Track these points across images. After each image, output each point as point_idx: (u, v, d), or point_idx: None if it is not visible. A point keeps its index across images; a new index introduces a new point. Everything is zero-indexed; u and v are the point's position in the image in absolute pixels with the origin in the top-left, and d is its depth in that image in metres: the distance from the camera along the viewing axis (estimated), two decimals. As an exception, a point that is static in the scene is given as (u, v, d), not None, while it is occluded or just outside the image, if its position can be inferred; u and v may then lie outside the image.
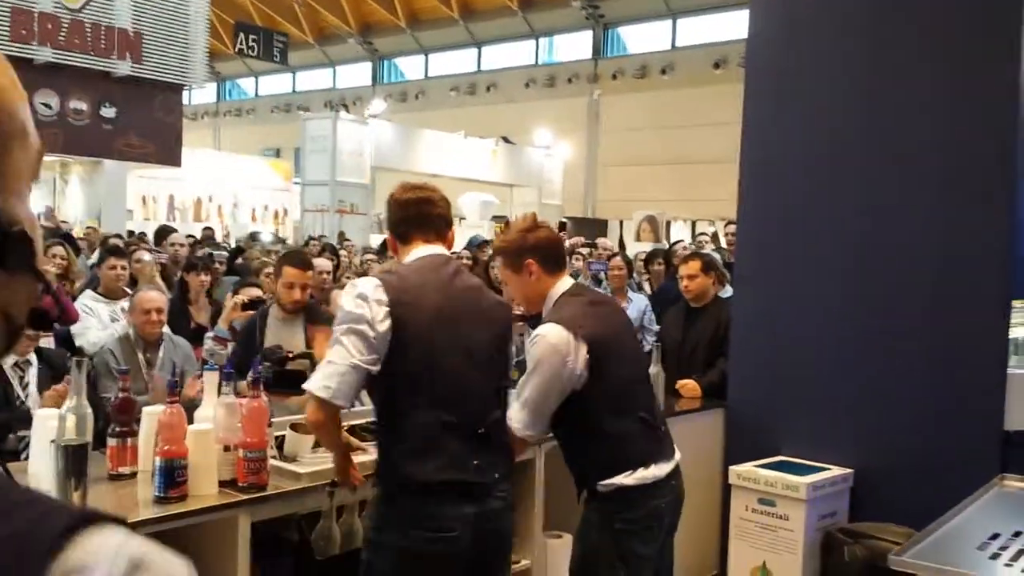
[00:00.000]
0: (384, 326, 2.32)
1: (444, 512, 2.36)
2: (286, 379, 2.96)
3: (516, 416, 2.67)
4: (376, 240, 14.26)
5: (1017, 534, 1.20)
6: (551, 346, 2.63)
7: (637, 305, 6.10)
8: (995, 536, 1.20)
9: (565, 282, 2.87)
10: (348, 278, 6.58)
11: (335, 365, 2.31)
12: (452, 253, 2.75)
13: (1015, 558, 1.12)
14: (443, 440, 2.37)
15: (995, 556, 1.12)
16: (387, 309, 2.33)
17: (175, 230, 9.81)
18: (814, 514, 3.84)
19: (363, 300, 2.34)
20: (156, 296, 4.29)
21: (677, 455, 2.91)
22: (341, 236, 12.79)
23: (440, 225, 2.58)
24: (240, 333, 4.21)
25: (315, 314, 4.21)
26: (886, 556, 3.58)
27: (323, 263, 6.47)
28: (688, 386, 4.50)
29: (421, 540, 2.34)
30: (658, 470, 2.77)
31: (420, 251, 2.51)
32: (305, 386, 2.39)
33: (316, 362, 3.85)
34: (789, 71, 4.38)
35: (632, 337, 3.11)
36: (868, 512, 3.93)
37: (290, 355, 3.68)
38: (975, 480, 3.47)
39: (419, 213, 2.55)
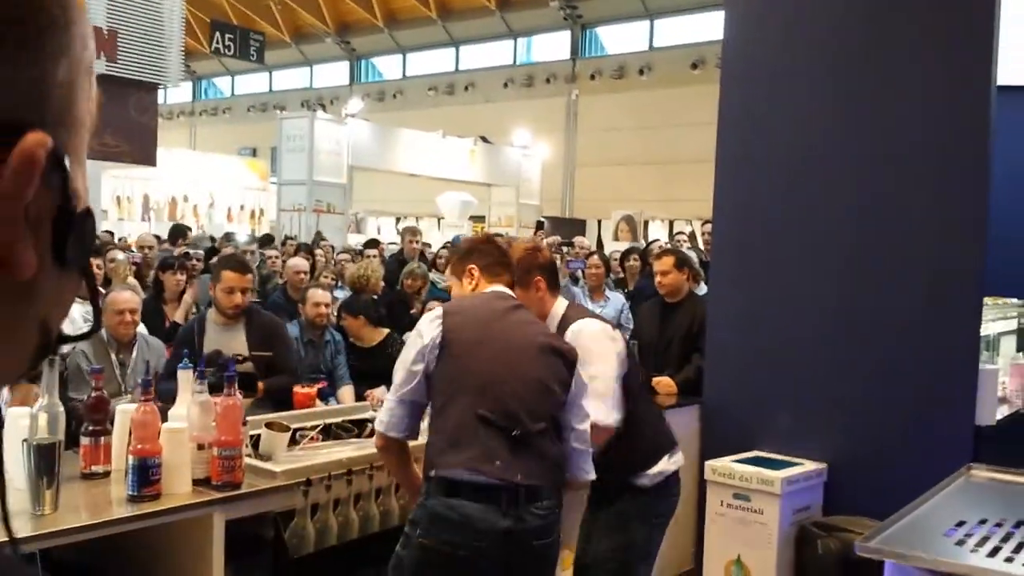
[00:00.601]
0: (433, 332, 2.51)
1: (472, 519, 2.34)
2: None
3: (596, 407, 2.70)
4: (353, 240, 14.23)
5: (983, 522, 1.22)
6: (600, 331, 2.85)
7: (615, 304, 6.12)
8: (961, 523, 1.22)
9: (562, 302, 3.04)
10: (325, 277, 6.57)
11: (387, 401, 2.59)
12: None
13: (980, 544, 1.14)
14: (476, 432, 2.40)
15: (961, 543, 1.14)
16: (440, 321, 2.54)
17: (189, 228, 9.75)
18: (788, 508, 3.88)
19: (421, 323, 2.61)
20: (129, 296, 4.25)
21: None
22: (318, 236, 12.73)
23: (513, 274, 2.81)
24: (176, 340, 4.12)
25: (256, 318, 4.12)
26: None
27: (299, 263, 6.46)
28: (663, 383, 4.53)
29: (446, 543, 2.34)
30: (679, 458, 2.98)
31: (495, 288, 2.71)
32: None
33: (266, 364, 3.87)
34: (765, 69, 4.41)
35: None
36: (842, 506, 3.97)
37: (239, 358, 3.65)
38: (947, 474, 3.52)
39: (507, 259, 2.80)
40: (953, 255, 3.86)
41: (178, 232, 8.97)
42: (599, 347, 2.82)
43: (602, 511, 2.93)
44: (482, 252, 2.78)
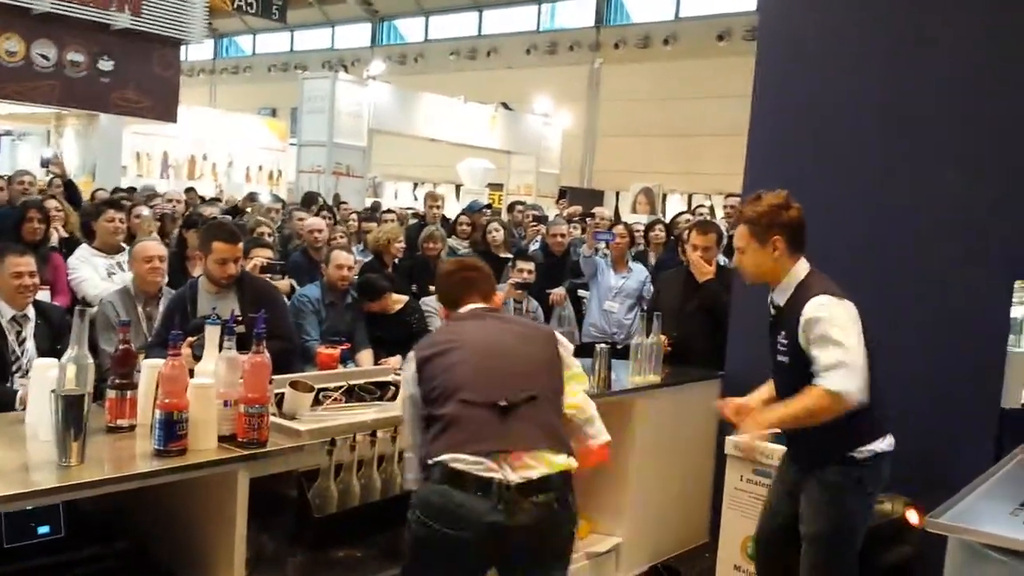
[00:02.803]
0: (409, 370, 2.56)
1: (458, 506, 2.29)
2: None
3: (841, 376, 2.68)
4: (370, 203, 14.20)
5: (1045, 502, 1.20)
6: (848, 312, 2.76)
7: (637, 275, 6.07)
8: (1024, 503, 1.19)
9: (804, 264, 2.94)
10: (342, 236, 6.55)
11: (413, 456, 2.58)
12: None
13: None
14: (462, 415, 2.38)
15: (1028, 523, 1.12)
16: (411, 356, 2.58)
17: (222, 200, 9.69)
18: (809, 486, 3.85)
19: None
20: (157, 244, 4.31)
21: None
22: (336, 199, 12.68)
23: (485, 289, 2.76)
24: (168, 307, 4.02)
25: (248, 283, 4.00)
26: (879, 518, 3.59)
27: (316, 222, 6.42)
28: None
29: (434, 527, 2.31)
30: (892, 440, 2.91)
31: (468, 307, 2.71)
32: None
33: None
34: (802, 41, 4.33)
35: None
36: (862, 486, 3.95)
37: (237, 318, 3.61)
38: (971, 456, 3.48)
39: (464, 279, 2.75)
40: (985, 237, 3.80)
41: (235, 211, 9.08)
42: (852, 325, 2.77)
43: (816, 483, 2.90)
44: (439, 287, 2.83)
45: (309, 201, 9.20)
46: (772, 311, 3.00)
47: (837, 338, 2.72)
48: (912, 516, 3.45)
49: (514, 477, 2.30)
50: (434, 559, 2.35)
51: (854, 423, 2.78)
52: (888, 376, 3.97)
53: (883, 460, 2.89)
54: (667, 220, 8.00)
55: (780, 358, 2.95)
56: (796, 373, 2.85)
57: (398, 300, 5.05)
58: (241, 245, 4.02)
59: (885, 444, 2.88)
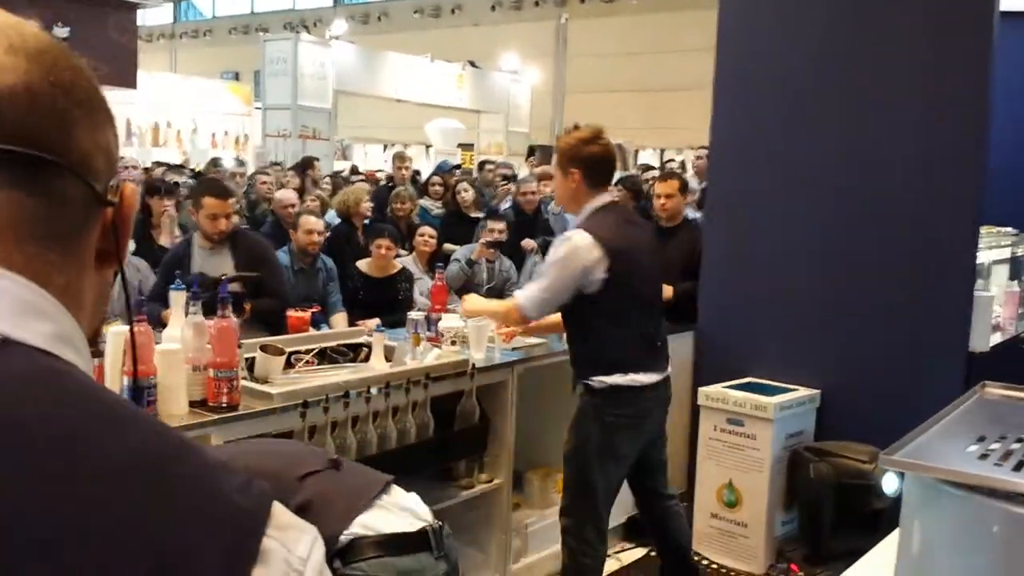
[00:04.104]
0: None
1: (408, 574, 1.84)
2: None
3: (530, 296, 3.04)
4: (338, 166, 14.07)
5: (1003, 437, 1.21)
6: (576, 248, 2.96)
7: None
8: (981, 439, 1.21)
9: (603, 197, 3.12)
10: (313, 201, 6.48)
11: None
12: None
13: (1003, 458, 1.13)
14: (319, 483, 1.87)
15: (984, 456, 1.13)
16: None
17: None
18: (781, 433, 3.91)
19: None
20: None
21: (668, 369, 3.22)
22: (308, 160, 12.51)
23: None
24: (164, 264, 4.07)
25: (242, 240, 4.06)
26: (851, 473, 3.66)
27: (288, 196, 6.30)
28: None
29: None
30: (647, 378, 3.07)
31: None
32: None
33: (255, 285, 3.82)
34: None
35: (651, 258, 3.25)
36: (834, 431, 4.01)
37: (224, 277, 3.59)
38: (939, 400, 3.52)
39: None
40: (951, 184, 3.83)
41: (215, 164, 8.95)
42: (568, 260, 2.97)
43: (575, 407, 3.14)
44: None
45: (305, 165, 9.04)
46: None
47: (547, 271, 3.05)
48: (890, 482, 3.46)
49: (425, 516, 1.92)
50: None
51: (593, 356, 3.07)
52: (854, 323, 4.04)
53: (622, 393, 3.04)
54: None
55: None
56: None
57: (395, 265, 5.07)
58: (232, 201, 4.09)
59: (625, 379, 3.04)
